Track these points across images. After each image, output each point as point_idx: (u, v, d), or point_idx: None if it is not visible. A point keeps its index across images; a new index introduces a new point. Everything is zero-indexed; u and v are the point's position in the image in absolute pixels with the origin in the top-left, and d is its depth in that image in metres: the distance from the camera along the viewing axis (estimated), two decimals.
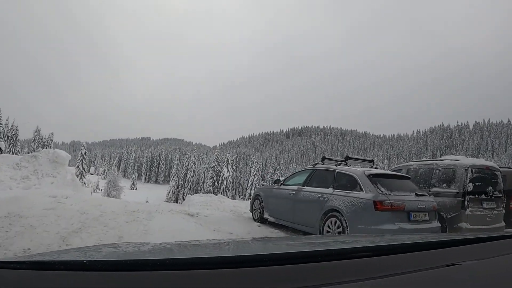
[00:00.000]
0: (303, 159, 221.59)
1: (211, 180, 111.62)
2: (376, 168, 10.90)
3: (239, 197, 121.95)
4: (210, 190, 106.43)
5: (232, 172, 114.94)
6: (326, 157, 11.54)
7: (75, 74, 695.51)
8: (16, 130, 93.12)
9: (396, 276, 1.65)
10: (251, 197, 14.24)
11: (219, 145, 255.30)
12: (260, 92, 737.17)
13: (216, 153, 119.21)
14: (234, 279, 1.54)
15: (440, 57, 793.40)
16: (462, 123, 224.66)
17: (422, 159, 13.59)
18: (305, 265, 1.69)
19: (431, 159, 13.05)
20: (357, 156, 12.17)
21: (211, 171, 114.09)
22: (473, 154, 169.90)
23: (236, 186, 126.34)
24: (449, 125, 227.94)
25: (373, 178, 8.71)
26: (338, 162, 10.81)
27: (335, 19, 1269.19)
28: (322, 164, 11.12)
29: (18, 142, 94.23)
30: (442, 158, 12.23)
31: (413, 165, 12.37)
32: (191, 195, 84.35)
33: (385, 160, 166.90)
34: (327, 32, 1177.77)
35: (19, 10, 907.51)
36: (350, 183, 8.98)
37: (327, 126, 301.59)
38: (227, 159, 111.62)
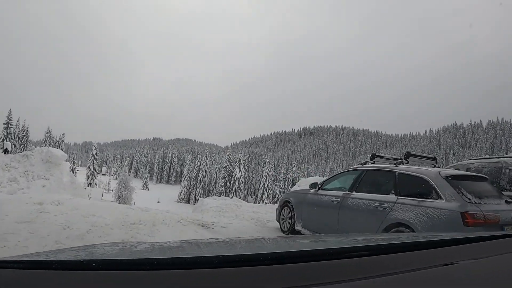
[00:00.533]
0: (315, 159, 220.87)
1: (223, 180, 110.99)
2: (439, 167, 8.60)
3: (251, 197, 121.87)
4: (222, 190, 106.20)
5: (244, 172, 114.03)
6: (377, 154, 9.44)
7: (88, 78, 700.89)
8: (27, 131, 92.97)
9: (393, 276, 1.66)
10: (278, 203, 11.94)
11: (231, 145, 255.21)
12: (271, 92, 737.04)
13: (228, 153, 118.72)
14: (231, 278, 1.55)
15: (451, 54, 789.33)
16: (475, 122, 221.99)
17: (483, 157, 11.34)
18: (301, 264, 1.71)
19: (496, 156, 10.88)
20: (418, 153, 9.72)
21: (223, 171, 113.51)
22: (487, 153, 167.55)
23: (248, 186, 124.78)
24: (462, 124, 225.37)
25: (453, 181, 6.52)
26: (398, 160, 8.41)
27: (346, 16, 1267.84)
28: (373, 163, 9.03)
29: (28, 143, 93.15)
30: (510, 155, 10.32)
31: (473, 163, 10.38)
32: (203, 197, 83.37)
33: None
34: (338, 30, 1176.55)
35: (30, 14, 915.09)
36: (422, 188, 6.77)
37: (339, 126, 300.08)
38: (239, 159, 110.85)
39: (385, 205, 6.99)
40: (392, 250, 2.10)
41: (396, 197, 6.95)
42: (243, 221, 12.51)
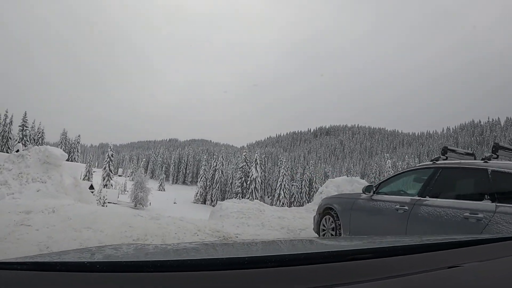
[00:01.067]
0: (331, 158, 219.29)
1: (240, 180, 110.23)
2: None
3: (268, 197, 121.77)
4: (238, 191, 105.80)
5: (261, 173, 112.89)
6: (449, 148, 7.33)
7: (104, 82, 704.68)
8: (42, 132, 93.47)
9: (398, 278, 1.68)
10: (316, 210, 9.95)
11: (247, 145, 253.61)
12: (286, 92, 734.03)
13: (244, 153, 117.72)
14: (235, 280, 1.58)
15: (468, 52, 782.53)
16: (493, 119, 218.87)
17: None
18: (305, 267, 1.73)
19: None
20: (507, 145, 7.50)
21: (239, 172, 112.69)
22: None
23: (264, 186, 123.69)
24: (480, 121, 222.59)
25: None
26: (488, 155, 6.25)
27: (357, 12, 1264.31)
28: (445, 159, 6.96)
29: (44, 145, 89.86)
30: None
31: None
32: (220, 198, 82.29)
33: (416, 158, 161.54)
34: (351, 27, 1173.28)
35: (48, 20, 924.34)
36: None
37: (355, 125, 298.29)
38: (256, 159, 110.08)
39: (480, 215, 5.04)
40: (397, 253, 2.12)
41: (494, 204, 5.00)
42: (272, 231, 10.80)
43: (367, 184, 12.62)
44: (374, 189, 7.62)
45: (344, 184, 16.82)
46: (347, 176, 18.86)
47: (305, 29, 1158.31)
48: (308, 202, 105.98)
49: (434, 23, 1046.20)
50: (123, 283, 1.52)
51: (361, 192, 8.05)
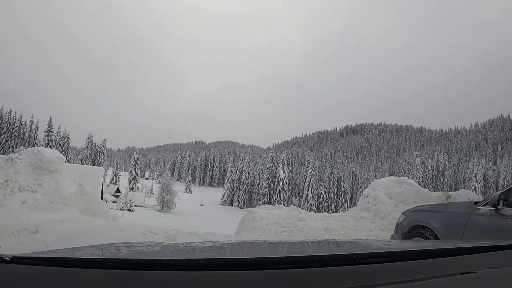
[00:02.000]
0: (358, 157, 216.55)
1: (267, 182, 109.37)
2: None
3: (296, 198, 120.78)
4: (265, 192, 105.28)
5: (288, 173, 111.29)
6: None
7: (130, 88, 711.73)
8: (67, 137, 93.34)
9: (410, 283, 1.71)
10: (399, 227, 7.89)
11: (273, 146, 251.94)
12: (310, 90, 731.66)
13: (271, 154, 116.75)
14: (245, 281, 1.63)
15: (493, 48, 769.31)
16: None
17: None
18: (316, 269, 1.76)
19: None
20: None
21: (266, 173, 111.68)
22: None
23: (292, 187, 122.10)
24: (509, 116, 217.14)
25: None
26: None
27: (376, 6, 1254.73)
28: None
29: (69, 150, 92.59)
30: None
31: None
32: (248, 202, 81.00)
33: (446, 156, 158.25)
34: (374, 22, 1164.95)
35: (75, 29, 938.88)
36: None
37: (381, 123, 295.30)
38: (283, 160, 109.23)
39: None
40: (410, 257, 2.15)
41: None
42: None
43: (416, 184, 11.23)
44: (504, 200, 5.25)
45: (392, 185, 15.06)
46: (394, 176, 17.25)
47: (327, 26, 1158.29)
48: (336, 203, 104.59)
49: (454, 15, 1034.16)
50: (135, 281, 1.56)
51: (470, 202, 6.12)
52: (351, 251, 2.55)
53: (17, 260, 1.68)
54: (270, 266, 1.76)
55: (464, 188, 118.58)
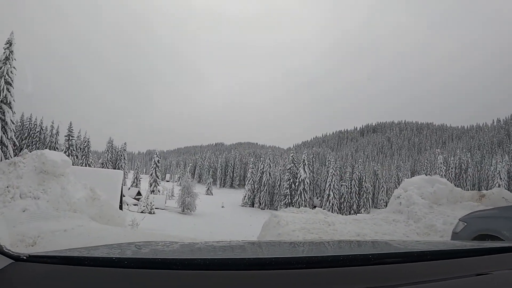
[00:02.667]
0: (379, 156, 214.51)
1: (288, 182, 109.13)
2: None
3: (317, 198, 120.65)
4: (287, 193, 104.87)
5: (309, 173, 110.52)
6: None
7: (148, 91, 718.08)
8: (88, 141, 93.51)
9: (425, 284, 1.73)
10: (459, 235, 6.84)
11: (293, 146, 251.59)
12: (329, 89, 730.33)
13: (291, 155, 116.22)
14: (259, 281, 1.65)
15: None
16: None
17: None
18: (330, 270, 1.78)
19: None
20: None
21: (287, 173, 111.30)
22: None
23: (313, 187, 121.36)
24: None
25: None
26: None
27: (389, 5, 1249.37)
28: None
29: (90, 154, 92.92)
30: None
31: None
32: (270, 203, 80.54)
33: (468, 153, 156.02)
34: (389, 18, 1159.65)
35: (97, 38, 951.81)
36: None
37: (401, 121, 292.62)
38: (304, 160, 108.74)
39: None
40: (425, 258, 2.12)
41: None
42: None
43: (449, 183, 10.28)
44: None
45: (424, 184, 14.10)
46: (430, 175, 16.37)
47: (344, 24, 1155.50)
48: (358, 202, 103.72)
49: (473, 8, 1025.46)
50: (150, 280, 1.59)
51: None
52: (367, 252, 2.58)
53: (33, 258, 1.72)
54: (285, 266, 1.77)
55: (487, 186, 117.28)
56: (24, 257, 1.72)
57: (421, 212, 12.25)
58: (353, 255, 2.13)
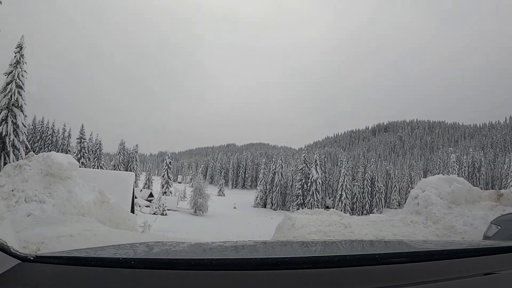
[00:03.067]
0: (391, 156, 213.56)
1: (300, 183, 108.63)
2: None
3: (329, 199, 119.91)
4: (299, 193, 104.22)
5: (321, 174, 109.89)
6: None
7: (160, 94, 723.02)
8: (100, 144, 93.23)
9: (432, 284, 1.73)
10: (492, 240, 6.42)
11: (305, 147, 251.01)
12: (339, 88, 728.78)
13: (303, 155, 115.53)
14: (265, 281, 1.66)
15: None
16: None
17: None
18: (337, 270, 1.79)
19: None
20: None
21: (299, 174, 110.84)
22: None
23: (325, 187, 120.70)
24: None
25: None
26: None
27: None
28: None
29: (102, 156, 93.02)
30: None
31: None
32: (282, 204, 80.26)
33: (481, 151, 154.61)
34: (397, 15, 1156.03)
35: (106, 42, 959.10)
36: None
37: (413, 119, 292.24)
38: (315, 160, 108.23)
39: None
40: (432, 258, 2.13)
41: None
42: None
43: (467, 183, 9.98)
44: None
45: (442, 184, 13.69)
46: (442, 174, 15.93)
47: (352, 21, 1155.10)
48: (370, 202, 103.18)
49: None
50: (157, 280, 1.61)
51: None
52: (373, 251, 2.62)
53: (40, 259, 1.76)
54: (291, 266, 1.78)
55: (501, 184, 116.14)
56: (31, 258, 1.75)
57: (440, 213, 11.89)
58: (360, 255, 2.17)
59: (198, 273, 1.66)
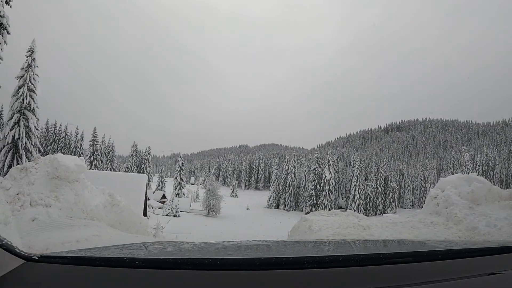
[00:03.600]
0: (404, 155, 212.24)
1: (313, 183, 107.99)
2: None
3: (342, 199, 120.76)
4: (312, 193, 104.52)
5: (334, 174, 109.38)
6: None
7: (172, 97, 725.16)
8: (112, 146, 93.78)
9: (437, 283, 1.74)
10: None
11: (317, 147, 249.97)
12: (351, 87, 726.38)
13: (316, 155, 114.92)
14: (268, 280, 1.67)
15: None
16: None
17: None
18: (341, 269, 1.81)
19: None
20: None
21: (312, 174, 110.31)
22: None
23: (338, 188, 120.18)
24: None
25: None
26: None
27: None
28: None
29: (115, 158, 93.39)
30: None
31: None
32: (295, 205, 79.73)
33: (495, 149, 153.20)
34: (405, 13, 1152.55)
35: (118, 46, 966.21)
36: None
37: (426, 118, 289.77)
38: (328, 160, 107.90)
39: None
40: (436, 257, 2.17)
41: None
42: None
43: (487, 182, 9.71)
44: None
45: (462, 183, 13.12)
46: (462, 173, 15.49)
47: (363, 20, 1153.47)
48: (384, 202, 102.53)
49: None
50: (161, 280, 1.62)
51: None
52: (377, 251, 2.64)
53: (45, 259, 1.79)
54: (295, 266, 1.79)
55: None
56: (36, 258, 1.78)
57: (461, 214, 11.45)
58: (364, 254, 2.18)
59: (203, 273, 1.67)
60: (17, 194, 8.48)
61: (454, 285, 1.71)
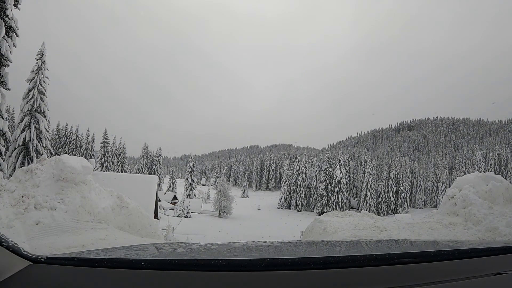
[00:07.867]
0: (415, 154, 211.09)
1: (324, 183, 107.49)
2: None
3: (354, 199, 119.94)
4: (323, 194, 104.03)
5: (345, 174, 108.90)
6: None
7: (183, 100, 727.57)
8: (123, 148, 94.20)
9: (443, 284, 1.74)
10: None
11: (328, 147, 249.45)
12: (362, 87, 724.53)
13: (327, 155, 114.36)
14: (274, 281, 1.68)
15: None
16: None
17: None
18: (347, 270, 1.82)
19: None
20: None
21: (323, 174, 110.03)
22: None
23: (350, 188, 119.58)
24: None
25: None
26: None
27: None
28: None
29: (125, 159, 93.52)
30: None
31: None
32: (306, 205, 79.41)
33: (507, 148, 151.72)
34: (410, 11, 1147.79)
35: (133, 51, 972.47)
36: None
37: (437, 117, 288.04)
38: (339, 160, 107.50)
39: None
40: (442, 257, 2.18)
41: None
42: None
43: (505, 180, 9.49)
44: None
45: (479, 182, 12.74)
46: (478, 172, 15.08)
47: (373, 17, 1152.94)
48: (395, 202, 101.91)
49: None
50: (167, 281, 1.63)
51: None
52: (383, 251, 2.63)
53: (51, 260, 1.81)
54: (301, 267, 1.81)
55: None
56: (42, 259, 1.80)
57: (480, 214, 11.05)
58: (370, 255, 2.17)
59: (208, 274, 1.69)
60: (22, 196, 8.11)
61: (461, 285, 1.72)
